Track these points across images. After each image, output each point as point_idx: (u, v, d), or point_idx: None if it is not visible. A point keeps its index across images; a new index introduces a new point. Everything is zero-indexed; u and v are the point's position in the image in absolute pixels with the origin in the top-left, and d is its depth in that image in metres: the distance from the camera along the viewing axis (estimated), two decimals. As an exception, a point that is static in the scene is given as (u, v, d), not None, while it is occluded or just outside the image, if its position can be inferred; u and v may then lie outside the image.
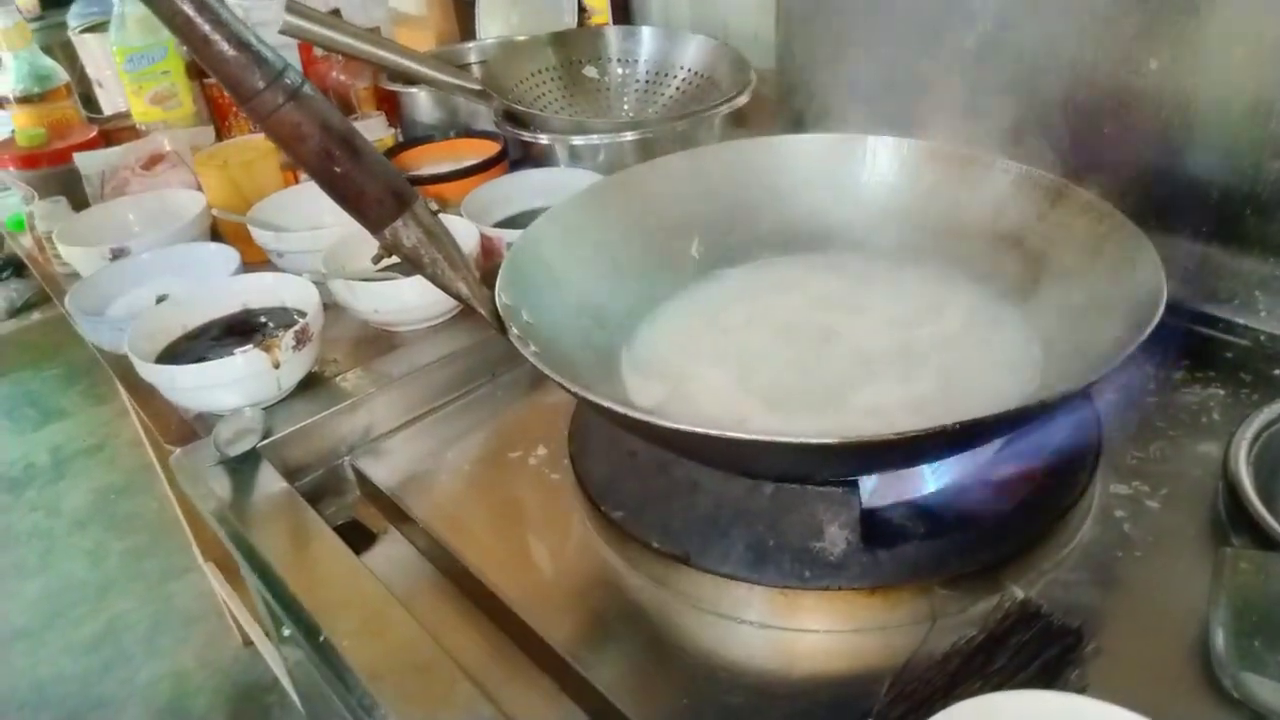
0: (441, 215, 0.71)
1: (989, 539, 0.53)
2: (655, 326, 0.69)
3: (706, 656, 0.52)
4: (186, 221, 0.99)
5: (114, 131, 1.31)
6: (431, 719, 0.48)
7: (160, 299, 0.87)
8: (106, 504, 2.27)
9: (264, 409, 0.71)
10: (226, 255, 0.91)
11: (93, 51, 1.55)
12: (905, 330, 0.65)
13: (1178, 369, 0.69)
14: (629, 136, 0.96)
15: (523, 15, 1.37)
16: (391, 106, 1.23)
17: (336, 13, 1.31)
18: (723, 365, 0.64)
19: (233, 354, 0.72)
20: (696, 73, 1.13)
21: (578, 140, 0.98)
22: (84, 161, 1.14)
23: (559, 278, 0.65)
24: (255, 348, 0.71)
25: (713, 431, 0.46)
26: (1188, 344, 0.70)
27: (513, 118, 1.04)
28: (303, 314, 0.78)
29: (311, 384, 0.76)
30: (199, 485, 0.66)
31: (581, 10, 1.31)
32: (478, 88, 1.07)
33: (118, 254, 0.93)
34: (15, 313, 3.12)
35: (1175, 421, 0.64)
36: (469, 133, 1.13)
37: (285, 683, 1.43)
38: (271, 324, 0.80)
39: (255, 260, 0.93)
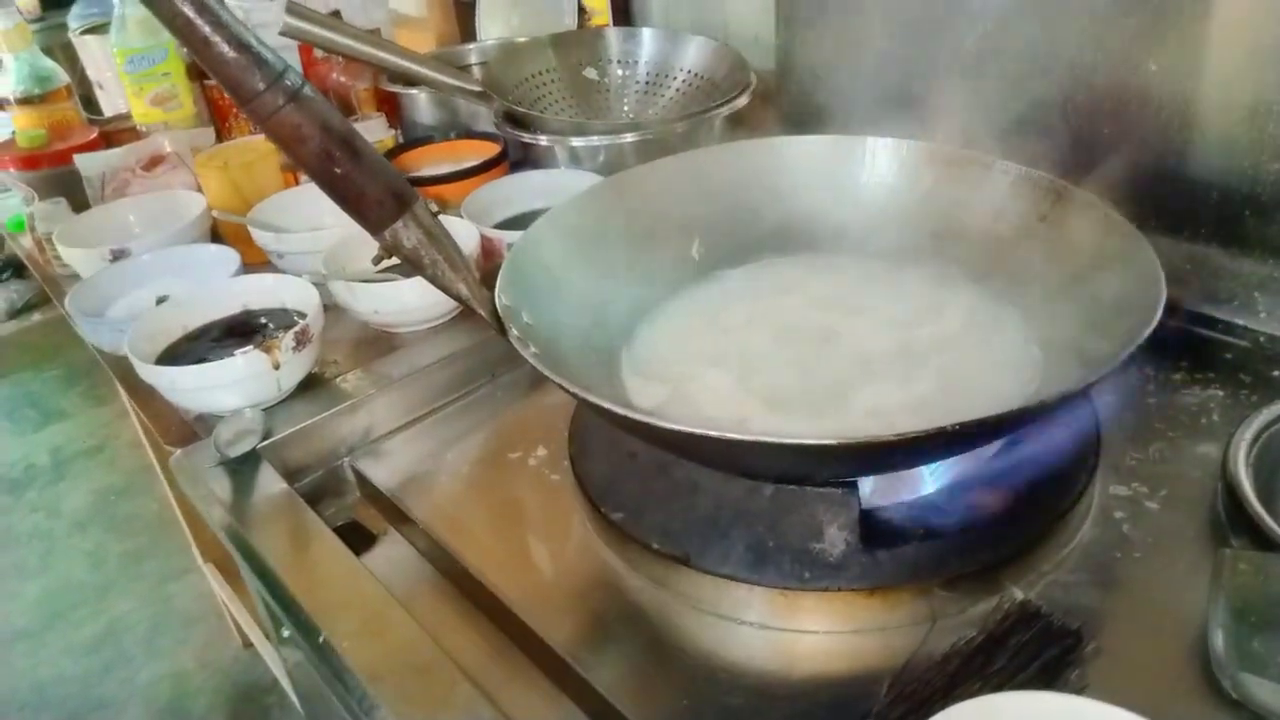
0: (441, 216, 0.71)
1: (988, 540, 0.53)
2: (655, 327, 0.69)
3: (706, 657, 0.52)
4: (187, 223, 0.99)
5: (114, 133, 1.31)
6: (431, 720, 0.48)
7: (160, 300, 0.87)
8: (107, 505, 2.27)
9: (264, 410, 0.71)
10: (227, 256, 0.91)
11: (93, 53, 1.55)
12: (905, 331, 0.65)
13: (1177, 370, 0.69)
14: (629, 138, 0.96)
15: (523, 17, 1.37)
16: (392, 108, 1.23)
17: (337, 14, 1.31)
18: (722, 366, 0.64)
19: (233, 355, 0.72)
20: (696, 74, 1.13)
21: (578, 142, 0.98)
22: (84, 163, 1.14)
23: (559, 279, 0.65)
24: (255, 349, 0.71)
25: (712, 432, 0.46)
26: (1187, 345, 0.70)
27: (513, 119, 1.04)
28: (303, 315, 0.78)
29: (311, 385, 0.76)
30: (199, 486, 0.66)
31: (582, 12, 1.31)
32: (478, 89, 1.07)
33: (118, 255, 0.94)
34: (15, 314, 3.12)
35: (1174, 422, 0.64)
36: (469, 134, 1.13)
37: (285, 684, 1.43)
38: (272, 325, 0.81)
39: (255, 261, 0.93)
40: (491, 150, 1.06)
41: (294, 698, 1.21)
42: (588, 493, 0.60)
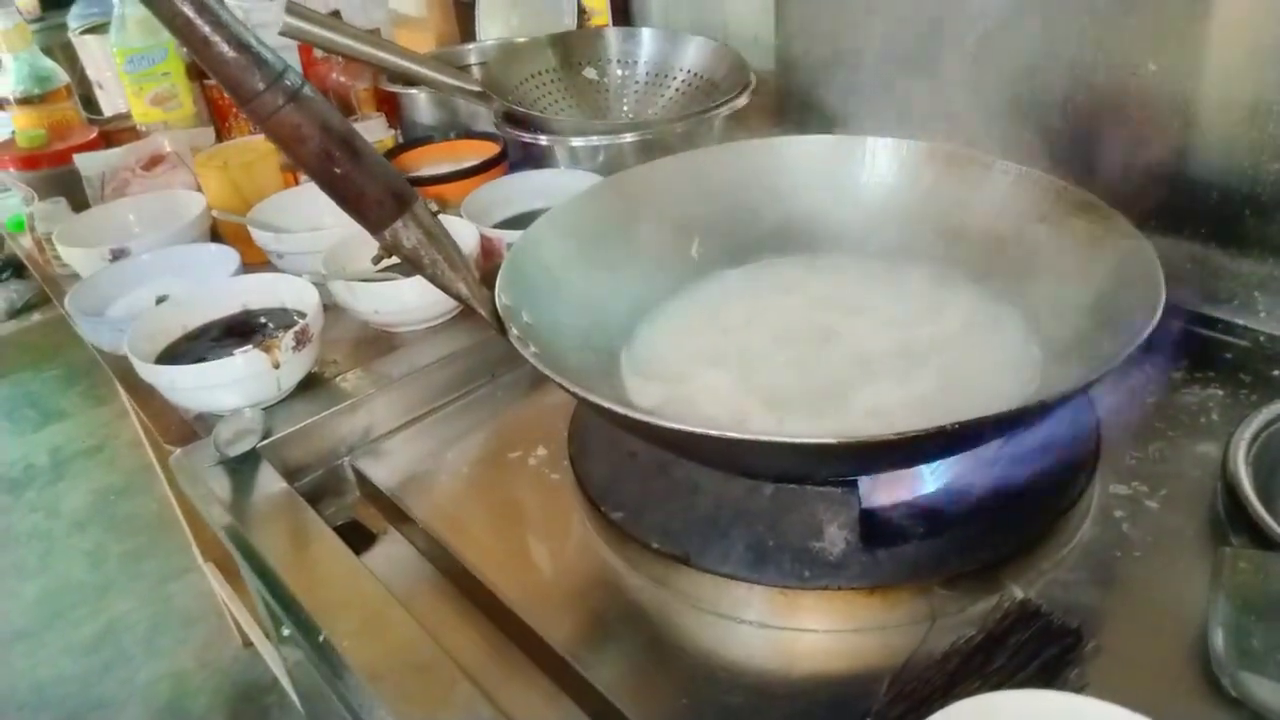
0: (441, 216, 0.71)
1: (988, 539, 0.53)
2: (655, 327, 0.69)
3: (706, 656, 0.52)
4: (186, 222, 0.99)
5: (114, 132, 1.31)
6: (431, 719, 0.48)
7: (160, 300, 0.87)
8: (106, 505, 2.27)
9: (264, 409, 0.71)
10: (226, 256, 0.91)
11: (93, 53, 1.55)
12: (905, 330, 0.65)
13: (1177, 369, 0.69)
14: (629, 138, 0.96)
15: (522, 17, 1.37)
16: (391, 108, 1.23)
17: (336, 14, 1.31)
18: (722, 366, 0.64)
19: (232, 355, 0.72)
20: (696, 74, 1.13)
21: (577, 141, 0.98)
22: (84, 162, 1.14)
23: (559, 279, 0.65)
24: (255, 348, 0.71)
25: (712, 432, 0.46)
26: (1187, 344, 0.70)
27: (513, 119, 1.04)
28: (302, 315, 0.78)
29: (311, 384, 0.76)
30: (199, 486, 0.67)
31: (581, 12, 1.31)
32: (478, 89, 1.07)
33: (118, 255, 0.94)
34: (15, 314, 3.12)
35: (1174, 422, 0.64)
36: (469, 134, 1.13)
37: (285, 683, 1.43)
38: (271, 325, 0.81)
39: (255, 261, 0.93)
40: (491, 150, 1.06)
41: (294, 697, 1.22)
42: (587, 492, 0.60)
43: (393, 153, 1.11)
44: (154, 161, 1.14)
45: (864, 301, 0.69)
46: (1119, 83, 0.77)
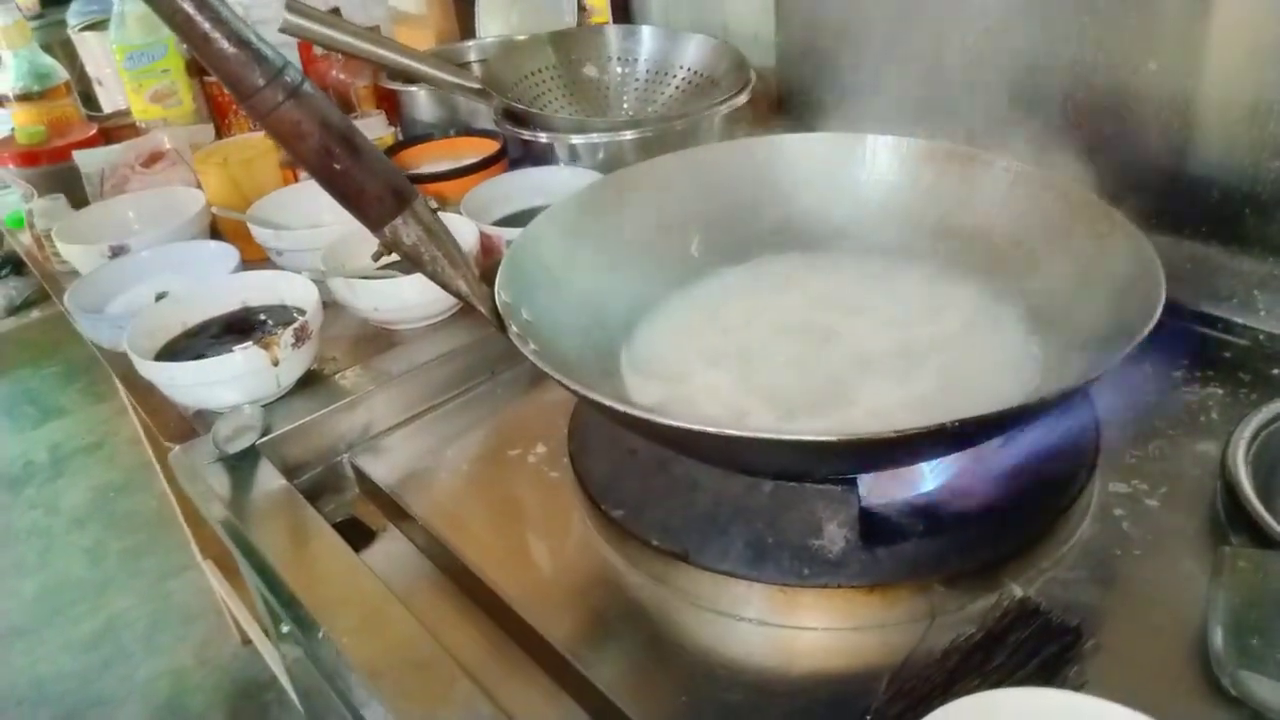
0: (441, 213, 0.71)
1: (988, 537, 0.53)
2: (655, 325, 0.69)
3: (705, 654, 0.52)
4: (186, 219, 0.99)
5: (114, 129, 1.31)
6: (430, 716, 0.48)
7: (159, 297, 0.87)
8: (105, 502, 2.27)
9: (263, 406, 0.71)
10: (226, 253, 0.91)
11: (92, 49, 1.55)
12: (905, 329, 0.65)
13: (1177, 368, 0.69)
14: (629, 135, 0.96)
15: (522, 14, 1.37)
16: (391, 105, 1.23)
17: (336, 11, 1.31)
18: (722, 363, 0.64)
19: (232, 351, 0.72)
20: (696, 72, 1.13)
21: (577, 139, 0.98)
22: (83, 159, 1.14)
23: (558, 276, 0.65)
24: (254, 345, 0.71)
25: (712, 429, 0.46)
26: (1187, 343, 0.70)
27: (512, 116, 1.04)
28: (302, 312, 0.78)
29: (311, 382, 0.76)
30: (198, 483, 0.66)
31: (581, 9, 1.31)
32: (477, 86, 1.07)
33: (117, 252, 0.93)
34: (14, 311, 3.11)
35: (1174, 420, 0.64)
36: (469, 131, 1.13)
37: (284, 680, 1.43)
38: (271, 322, 0.81)
39: (255, 258, 0.93)
40: (491, 147, 1.05)
41: (293, 694, 1.22)
42: (587, 490, 0.60)
43: (392, 150, 1.11)
44: (153, 158, 1.14)
45: (864, 300, 0.69)
46: (1119, 82, 0.77)
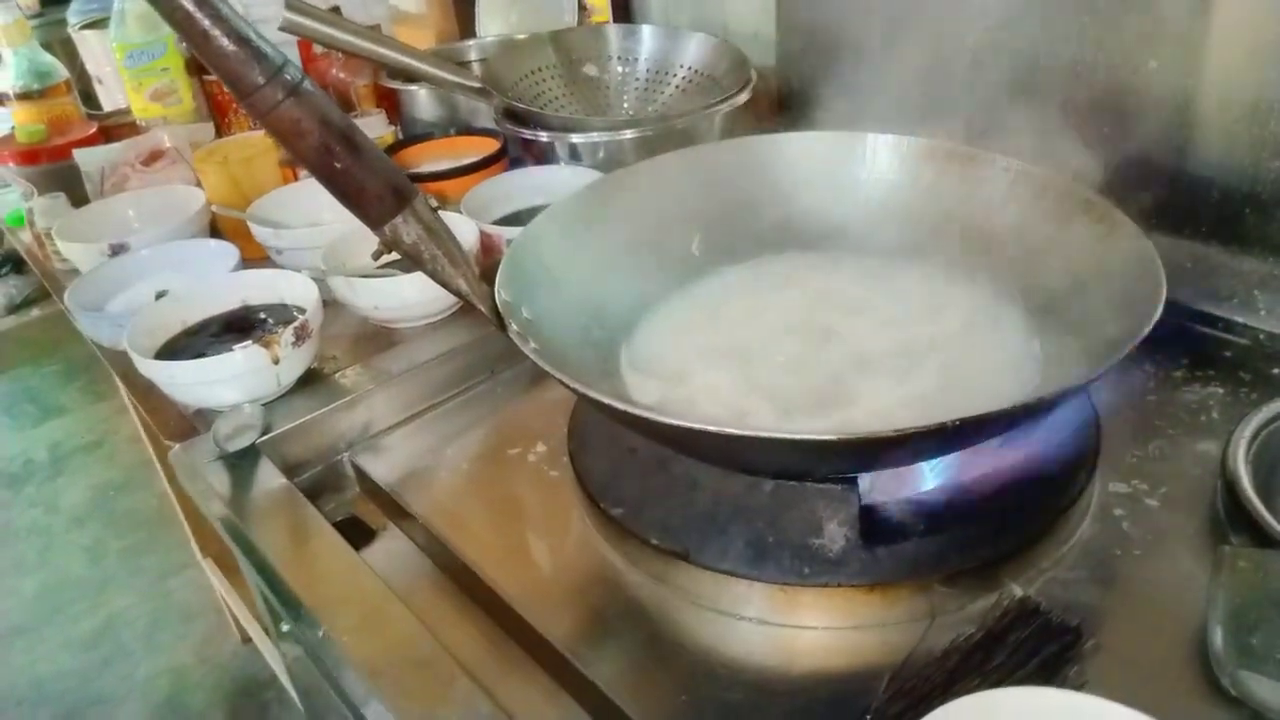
0: (441, 212, 0.71)
1: (988, 537, 0.53)
2: (655, 323, 0.69)
3: (706, 653, 0.52)
4: (186, 218, 0.99)
5: (114, 128, 1.31)
6: (430, 715, 0.48)
7: (159, 295, 0.87)
8: (105, 500, 2.27)
9: (263, 405, 0.71)
10: (226, 252, 0.91)
11: (92, 48, 1.55)
12: (905, 328, 0.65)
13: (1177, 367, 0.69)
14: (629, 134, 0.96)
15: (522, 13, 1.37)
16: (391, 104, 1.23)
17: (336, 10, 1.31)
18: (722, 362, 0.64)
19: (232, 350, 0.72)
20: (697, 71, 1.13)
21: (578, 138, 0.98)
22: (83, 158, 1.14)
23: (558, 275, 0.65)
24: (254, 344, 0.71)
25: (712, 428, 0.46)
26: (1187, 342, 0.70)
27: (513, 115, 1.04)
28: (302, 310, 0.78)
29: (311, 380, 0.76)
30: (198, 481, 0.66)
31: (582, 8, 1.31)
32: (478, 85, 1.07)
33: (117, 250, 0.93)
34: (14, 309, 3.11)
35: (1174, 420, 0.64)
36: (469, 130, 1.13)
37: (284, 679, 1.43)
38: (271, 320, 0.81)
39: (255, 257, 0.93)
40: (491, 146, 1.05)
41: (293, 693, 1.22)
42: (587, 488, 0.60)
43: (393, 149, 1.11)
44: (153, 157, 1.13)
45: (864, 299, 0.69)
46: (1119, 81, 0.77)
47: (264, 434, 0.69)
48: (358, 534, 0.65)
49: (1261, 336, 0.69)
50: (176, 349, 0.78)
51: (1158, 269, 0.53)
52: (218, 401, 0.73)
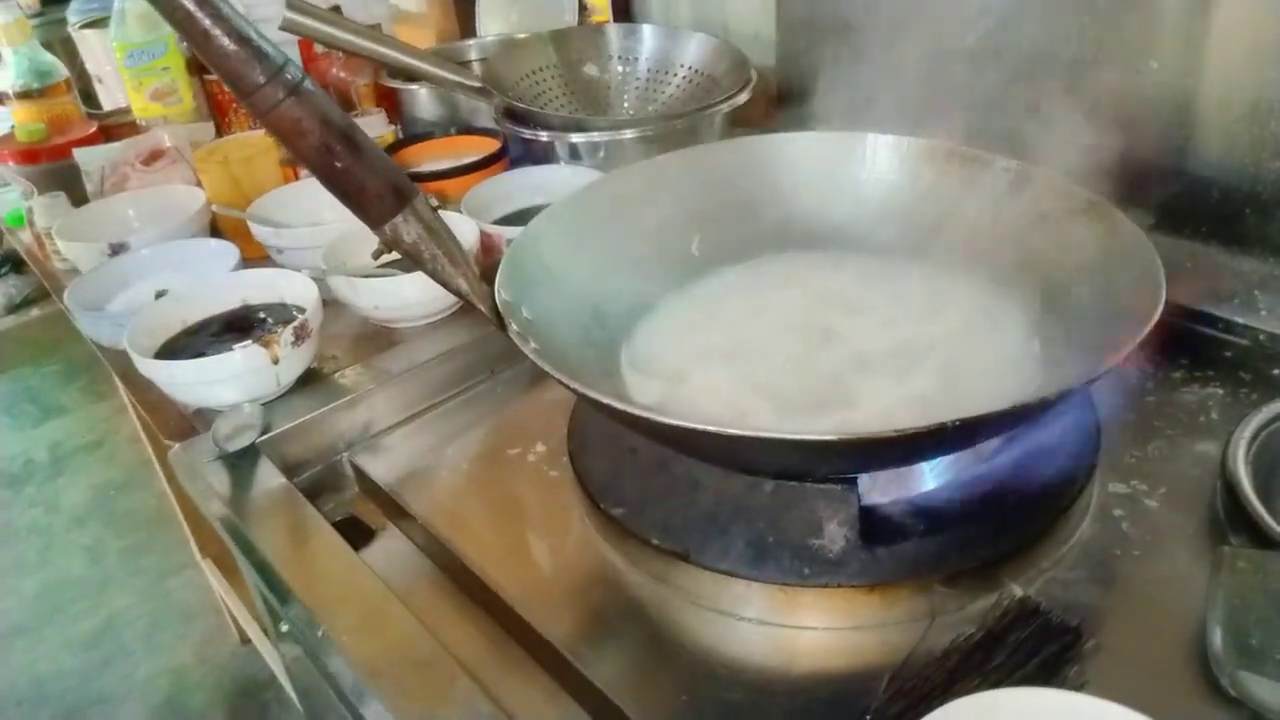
0: (441, 212, 0.71)
1: (988, 537, 0.53)
2: (655, 323, 0.69)
3: (706, 653, 0.52)
4: (186, 217, 0.99)
5: (114, 127, 1.31)
6: (430, 715, 0.48)
7: (159, 295, 0.87)
8: (105, 500, 2.27)
9: (263, 405, 0.71)
10: (226, 251, 0.91)
11: (93, 47, 1.55)
12: (905, 328, 0.65)
13: (1177, 368, 0.69)
14: (629, 134, 0.96)
15: (523, 13, 1.37)
16: (392, 103, 1.23)
17: (337, 9, 1.31)
18: (722, 362, 0.64)
19: (232, 350, 0.72)
20: (697, 70, 1.13)
21: (578, 138, 0.98)
22: (84, 157, 1.14)
23: (559, 275, 0.65)
24: (254, 343, 0.71)
25: (712, 428, 0.46)
26: (1187, 343, 0.70)
27: (513, 115, 1.04)
28: (302, 310, 0.78)
29: (310, 380, 0.76)
30: (197, 481, 0.66)
31: (582, 8, 1.31)
32: (478, 85, 1.07)
33: (117, 249, 0.93)
34: (14, 309, 3.11)
35: (1174, 420, 0.64)
36: (469, 130, 1.13)
37: (283, 679, 1.43)
38: (271, 320, 0.80)
39: (255, 256, 0.93)
40: (491, 146, 1.05)
41: (292, 693, 1.21)
42: (587, 488, 0.60)
43: (393, 148, 1.11)
44: (153, 156, 1.13)
45: (864, 298, 0.69)
46: (1119, 81, 0.77)
47: (263, 434, 0.69)
48: (357, 534, 0.65)
49: (1261, 337, 0.69)
50: (176, 349, 0.78)
51: (1158, 269, 0.53)
52: (217, 401, 0.73)
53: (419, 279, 0.71)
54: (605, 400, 0.49)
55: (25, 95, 1.24)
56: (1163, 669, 0.47)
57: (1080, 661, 0.46)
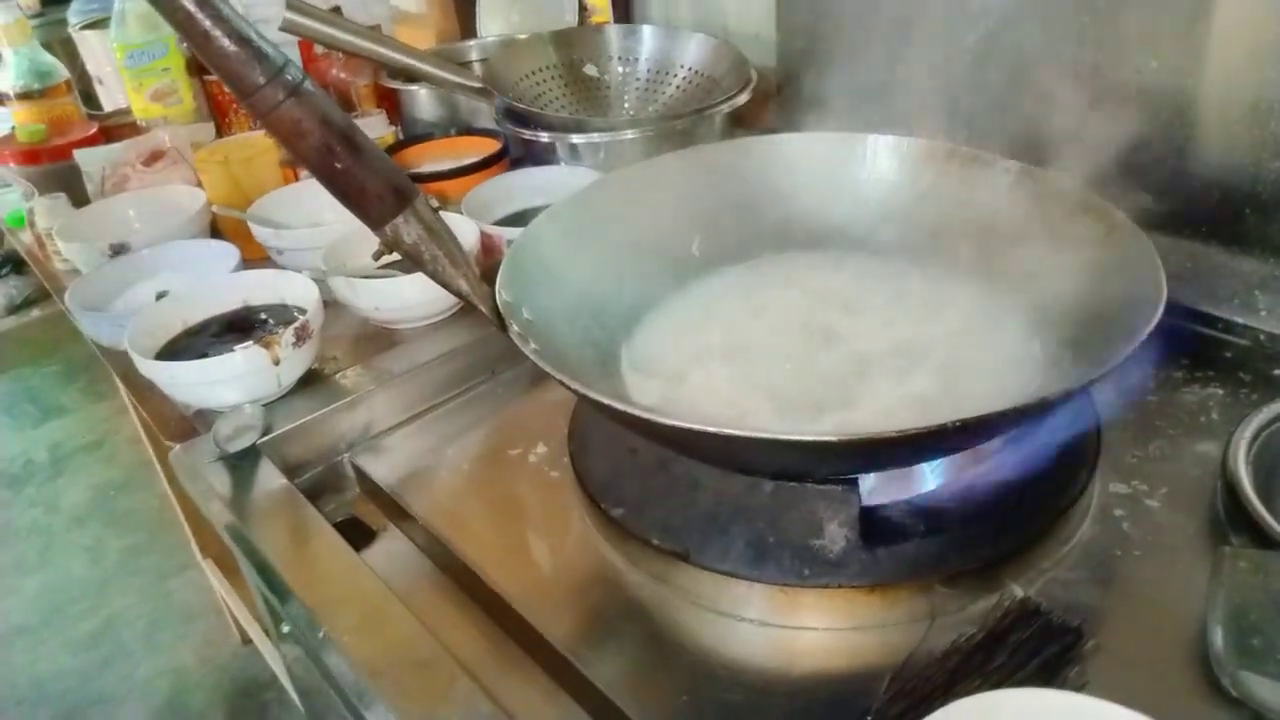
0: (442, 212, 0.71)
1: (988, 537, 0.53)
2: (655, 324, 0.69)
3: (706, 654, 0.52)
4: (186, 218, 0.99)
5: (114, 128, 1.31)
6: (430, 715, 0.48)
7: (160, 295, 0.87)
8: (106, 501, 2.27)
9: (264, 406, 0.71)
10: (226, 252, 0.91)
11: (93, 48, 1.55)
12: (905, 328, 0.65)
13: (1177, 368, 0.69)
14: (630, 135, 0.96)
15: (523, 13, 1.37)
16: (392, 104, 1.23)
17: (337, 10, 1.31)
18: (723, 363, 0.64)
19: (232, 350, 0.72)
20: (697, 71, 1.13)
21: (578, 138, 0.98)
22: (84, 158, 1.14)
23: (559, 275, 0.65)
24: (255, 344, 0.71)
25: (712, 429, 0.46)
26: (1187, 343, 0.70)
27: (513, 115, 1.04)
28: (303, 311, 0.78)
29: (311, 381, 0.76)
30: (198, 482, 0.66)
31: (582, 9, 1.31)
32: (478, 85, 1.07)
33: (118, 250, 0.93)
34: (15, 309, 3.11)
35: (1175, 421, 0.64)
36: (470, 130, 1.13)
37: (284, 679, 1.43)
38: (271, 321, 0.80)
39: (255, 257, 0.93)
40: (492, 147, 1.05)
41: (293, 694, 1.22)
42: (587, 489, 0.60)
43: (393, 149, 1.11)
44: (154, 157, 1.13)
45: (865, 299, 0.69)
46: (1119, 81, 0.77)
47: (264, 435, 0.69)
48: (358, 535, 0.65)
49: (1262, 337, 0.69)
50: (177, 349, 0.78)
51: (1158, 269, 0.53)
52: (218, 402, 0.73)
53: (419, 280, 0.71)
54: (605, 401, 0.49)
55: (26, 96, 1.24)
56: (1164, 669, 0.47)
57: (1081, 662, 0.46)
